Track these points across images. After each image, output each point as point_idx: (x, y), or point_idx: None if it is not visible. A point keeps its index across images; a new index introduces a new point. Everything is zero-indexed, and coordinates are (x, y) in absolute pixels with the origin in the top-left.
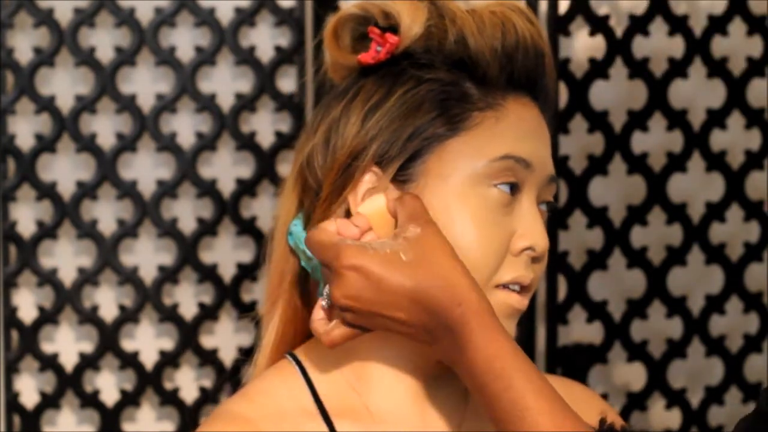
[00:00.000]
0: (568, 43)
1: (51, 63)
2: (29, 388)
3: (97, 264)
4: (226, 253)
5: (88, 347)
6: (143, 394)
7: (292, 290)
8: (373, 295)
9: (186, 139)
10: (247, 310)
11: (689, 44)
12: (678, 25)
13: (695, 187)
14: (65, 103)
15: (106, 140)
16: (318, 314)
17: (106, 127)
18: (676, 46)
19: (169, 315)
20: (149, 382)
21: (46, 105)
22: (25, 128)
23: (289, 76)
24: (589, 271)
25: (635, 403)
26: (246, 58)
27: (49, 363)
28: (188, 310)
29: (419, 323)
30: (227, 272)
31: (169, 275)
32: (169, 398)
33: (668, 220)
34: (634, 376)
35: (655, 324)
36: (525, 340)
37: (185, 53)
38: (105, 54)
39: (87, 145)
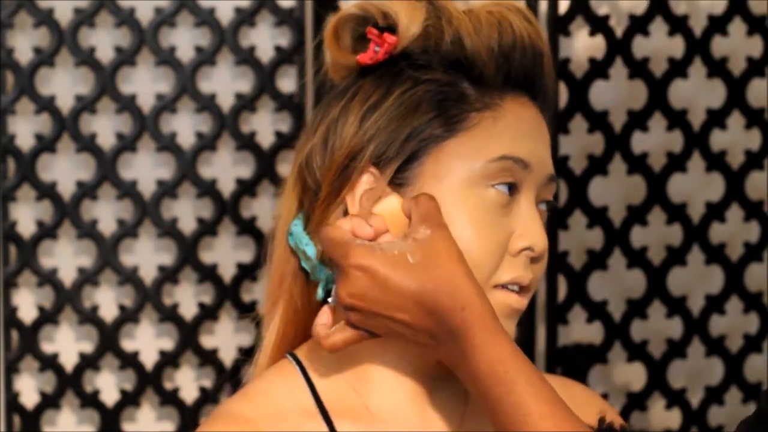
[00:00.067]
0: (568, 43)
1: (51, 63)
2: (29, 388)
3: (97, 264)
4: (226, 253)
5: (88, 347)
6: (143, 394)
7: (292, 290)
8: (378, 296)
9: (186, 139)
10: (247, 310)
11: (689, 44)
12: (678, 25)
13: (695, 187)
14: (65, 103)
15: (106, 140)
16: (321, 319)
17: (106, 127)
18: (676, 46)
19: (169, 315)
20: (149, 382)
21: (46, 105)
22: (25, 128)
23: (289, 76)
24: (589, 271)
25: (635, 403)
26: (246, 58)
27: (49, 363)
28: (188, 310)
29: (422, 326)
30: (227, 272)
31: (169, 275)
32: (169, 398)
33: (668, 220)
34: (634, 376)
35: (655, 324)
36: (525, 340)
37: (185, 53)
38: (105, 54)
39: (87, 145)
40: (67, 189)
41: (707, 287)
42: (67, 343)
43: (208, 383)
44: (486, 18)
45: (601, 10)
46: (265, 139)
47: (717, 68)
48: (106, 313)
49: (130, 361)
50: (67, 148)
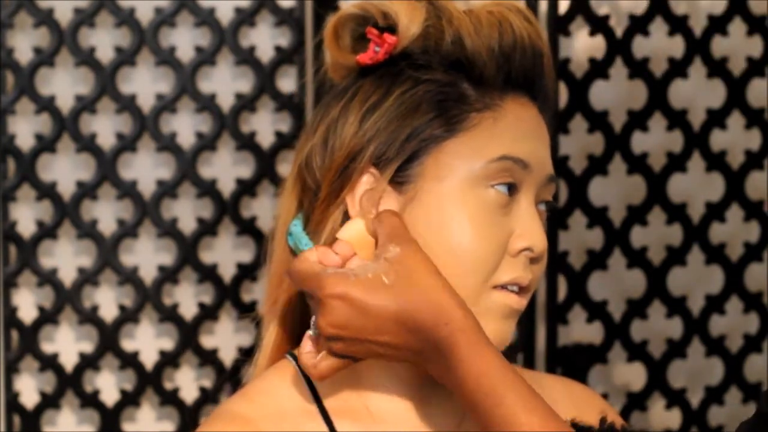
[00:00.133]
0: (568, 43)
1: (51, 63)
2: (29, 388)
3: (97, 264)
4: (226, 253)
5: (88, 347)
6: (143, 394)
7: (291, 290)
8: (360, 322)
9: (186, 139)
10: (247, 310)
11: (689, 44)
12: (678, 25)
13: (695, 187)
14: (65, 103)
15: (106, 140)
16: (305, 347)
17: (106, 127)
18: (676, 46)
19: (169, 315)
20: (149, 382)
21: (46, 105)
22: (25, 128)
23: (289, 76)
24: (589, 271)
25: (635, 403)
26: (246, 58)
27: (49, 363)
28: (188, 310)
29: (407, 345)
30: (227, 272)
31: (169, 275)
32: (169, 398)
33: (668, 220)
34: (634, 376)
35: (655, 324)
36: (525, 340)
37: (185, 53)
38: (105, 54)
39: (87, 145)
40: (67, 189)
41: (707, 287)
42: (67, 343)
43: (208, 383)
44: (486, 18)
45: (601, 10)
46: (265, 139)
47: (717, 68)
48: (106, 313)
49: (130, 361)
50: (67, 148)
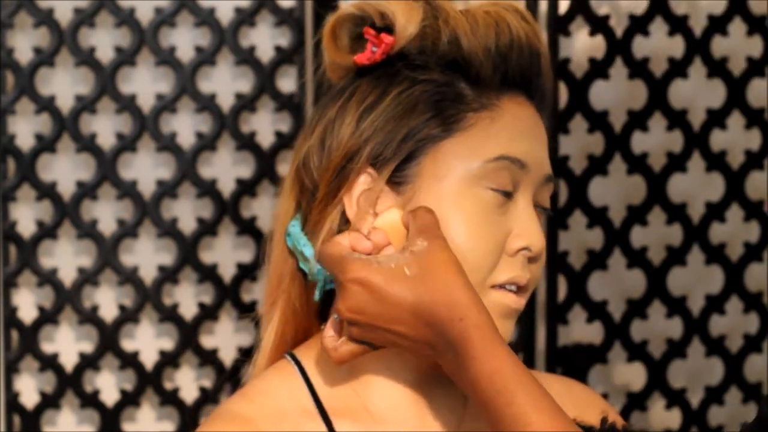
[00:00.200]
0: (568, 43)
1: (51, 63)
2: (29, 388)
3: (97, 264)
4: (226, 253)
5: (88, 347)
6: (143, 394)
7: (290, 291)
8: (376, 309)
9: (186, 139)
10: (247, 310)
11: (689, 44)
12: (678, 25)
13: (695, 187)
14: (65, 103)
15: (106, 140)
16: (329, 331)
17: (106, 127)
18: (676, 46)
19: (169, 315)
20: (149, 382)
21: (46, 105)
22: (25, 128)
23: (289, 76)
24: (589, 271)
25: (635, 403)
26: (246, 58)
27: (49, 363)
28: (188, 310)
29: (421, 338)
30: (227, 272)
31: (169, 275)
32: (169, 398)
33: (668, 220)
34: (634, 376)
35: (655, 324)
36: (525, 340)
37: (185, 53)
38: (105, 54)
39: (87, 145)
40: (67, 189)
41: (707, 287)
42: (67, 343)
43: (208, 383)
44: (483, 18)
45: (601, 10)
46: (265, 139)
47: (717, 68)
48: (106, 313)
49: (130, 361)
50: (67, 148)
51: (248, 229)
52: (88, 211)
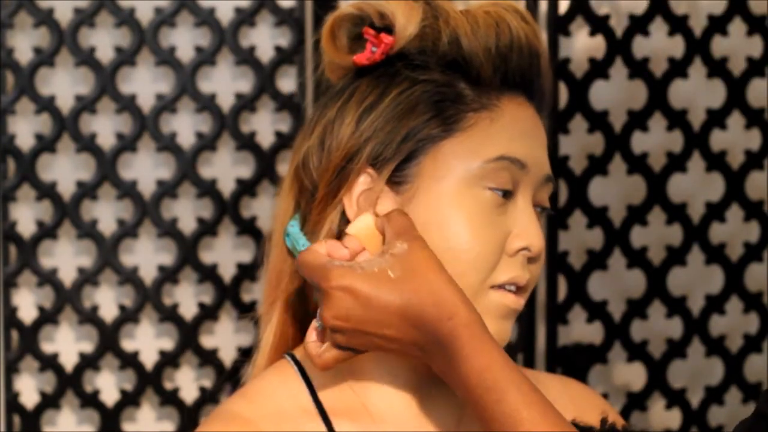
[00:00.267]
0: (568, 43)
1: (51, 63)
2: (29, 388)
3: (97, 264)
4: (226, 253)
5: (88, 347)
6: (143, 394)
7: (289, 291)
8: (363, 314)
9: (186, 139)
10: (247, 310)
11: (689, 44)
12: (678, 25)
13: (695, 187)
14: (65, 103)
15: (106, 140)
16: (311, 336)
17: (106, 127)
18: (676, 46)
19: (169, 315)
20: (149, 382)
21: (46, 105)
22: (25, 128)
23: (289, 76)
24: (589, 271)
25: (635, 403)
26: (246, 58)
27: (49, 363)
28: (188, 310)
29: (410, 340)
30: (227, 272)
31: (169, 275)
32: (169, 398)
33: (668, 220)
34: (634, 376)
35: (655, 324)
36: (525, 340)
37: (185, 53)
38: (105, 54)
39: (87, 145)
40: (67, 189)
41: (707, 287)
42: (67, 343)
43: (208, 383)
44: (483, 18)
45: (601, 10)
46: (265, 139)
47: (717, 68)
48: (106, 313)
49: (130, 361)
50: (67, 148)
51: (248, 229)
52: (88, 211)
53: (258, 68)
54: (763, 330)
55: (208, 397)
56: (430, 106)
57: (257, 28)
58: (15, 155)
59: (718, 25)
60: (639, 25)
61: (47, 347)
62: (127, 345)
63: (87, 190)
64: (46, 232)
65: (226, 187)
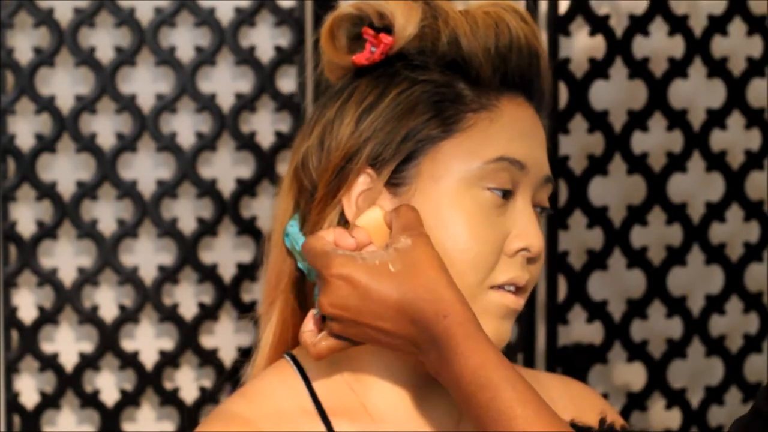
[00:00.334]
0: (568, 43)
1: (51, 63)
2: (29, 388)
3: (97, 264)
4: (226, 253)
5: (88, 347)
6: (143, 394)
7: (289, 291)
8: (360, 305)
9: (186, 139)
10: (247, 310)
11: (689, 44)
12: (678, 25)
13: (695, 187)
14: (65, 103)
15: (106, 140)
16: (307, 325)
17: (106, 127)
18: (676, 46)
19: (169, 315)
20: (149, 382)
21: (46, 105)
22: (25, 128)
23: (289, 76)
24: (589, 271)
25: (635, 403)
26: (246, 58)
27: (49, 363)
28: (188, 310)
29: (405, 334)
30: (227, 272)
31: (169, 275)
32: (169, 398)
33: (668, 220)
34: (634, 376)
35: (655, 324)
36: (525, 340)
37: (185, 53)
38: (105, 54)
39: (87, 145)
40: (67, 189)
41: (707, 287)
42: (67, 343)
43: (208, 383)
44: (483, 19)
45: (601, 10)
46: (265, 139)
47: (717, 68)
48: (106, 313)
49: (130, 361)
50: (67, 148)
51: (248, 229)
52: (88, 211)
53: (258, 68)
54: (763, 330)
55: (208, 397)
56: (430, 107)
57: (257, 28)
58: (15, 155)
59: (718, 25)
60: (639, 25)
61: (47, 347)
62: (127, 345)
63: (87, 190)
64: (46, 232)
65: (226, 187)
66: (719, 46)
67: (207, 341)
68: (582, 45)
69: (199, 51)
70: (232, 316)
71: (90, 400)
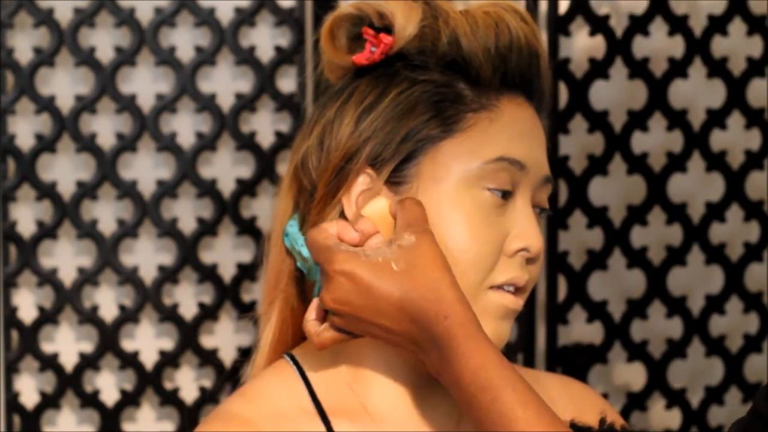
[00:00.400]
0: (568, 43)
1: (51, 63)
2: (29, 388)
3: (97, 264)
4: (226, 253)
5: (88, 347)
6: (143, 394)
7: (288, 291)
8: (362, 301)
9: (186, 139)
10: (247, 310)
11: (689, 44)
12: (678, 25)
13: (695, 187)
14: (65, 103)
15: (106, 140)
16: (311, 315)
17: (106, 127)
18: (676, 46)
19: (169, 315)
20: (149, 382)
21: (46, 105)
22: (25, 128)
23: (289, 76)
24: (589, 271)
25: (635, 403)
26: (246, 58)
27: (49, 363)
28: (188, 310)
29: (406, 333)
30: (227, 272)
31: (169, 275)
32: (169, 398)
33: (668, 220)
34: (634, 376)
35: (655, 324)
36: (525, 340)
37: (185, 53)
38: (105, 54)
39: (87, 145)
40: (67, 189)
41: (707, 287)
42: (67, 343)
43: (208, 383)
44: (483, 19)
45: (601, 10)
46: (265, 139)
47: (717, 68)
48: (106, 313)
49: (130, 361)
50: (67, 148)
51: (248, 229)
52: (88, 211)
53: (258, 68)
54: (763, 330)
55: (208, 397)
56: (430, 107)
57: (257, 28)
58: (15, 155)
59: (718, 25)
60: (639, 25)
61: (47, 347)
62: (127, 345)
63: (87, 190)
64: (46, 232)
65: (226, 187)
66: (719, 46)
67: (207, 341)
68: (582, 45)
69: (199, 51)
70: (232, 316)
71: (90, 400)
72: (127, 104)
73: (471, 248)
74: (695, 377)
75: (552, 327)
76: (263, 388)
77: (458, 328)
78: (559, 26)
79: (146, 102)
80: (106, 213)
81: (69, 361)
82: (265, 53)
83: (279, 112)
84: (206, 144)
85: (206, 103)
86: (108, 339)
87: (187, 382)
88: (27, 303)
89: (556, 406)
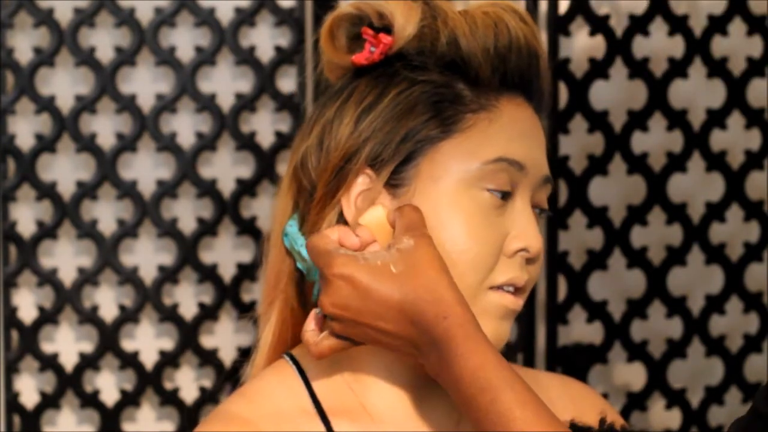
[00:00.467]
0: (568, 43)
1: (51, 63)
2: (29, 388)
3: (97, 264)
4: (226, 253)
5: (88, 347)
6: (143, 394)
7: (288, 291)
8: (361, 305)
9: (186, 139)
10: (247, 310)
11: (689, 44)
12: (678, 25)
13: (695, 187)
14: (65, 103)
15: (106, 140)
16: (309, 325)
17: (106, 127)
18: (676, 46)
19: (169, 315)
20: (149, 382)
21: (46, 105)
22: (25, 128)
23: (289, 76)
24: (589, 271)
25: (635, 403)
26: (246, 58)
27: (49, 363)
28: (188, 310)
29: (405, 336)
30: (227, 272)
31: (169, 275)
32: (169, 398)
33: (668, 220)
34: (634, 376)
35: (655, 324)
36: (525, 340)
37: (185, 53)
38: (105, 54)
39: (87, 145)
40: (67, 189)
41: (707, 287)
42: (67, 343)
43: (208, 383)
44: (482, 19)
45: (601, 10)
46: (265, 139)
47: (717, 68)
48: (106, 313)
49: (130, 361)
50: (67, 148)
51: (248, 229)
52: (88, 211)
53: (258, 68)
54: (763, 330)
55: (208, 397)
56: (429, 107)
57: (257, 28)
58: (15, 155)
59: (718, 25)
60: (639, 25)
61: (47, 347)
62: (127, 345)
63: (87, 190)
64: (46, 232)
65: (226, 187)
66: (719, 46)
67: (207, 341)
68: (582, 45)
69: (199, 51)
70: (232, 316)
71: (90, 400)
72: (127, 104)
73: (470, 249)
74: (695, 377)
75: (552, 327)
76: (263, 388)
77: (457, 328)
78: (559, 26)
79: (146, 102)
80: (106, 213)
81: (69, 361)
82: (265, 53)
83: (279, 112)
84: (206, 144)
85: (206, 103)
86: (108, 339)
87: (187, 382)
88: (27, 303)
89: (555, 407)
